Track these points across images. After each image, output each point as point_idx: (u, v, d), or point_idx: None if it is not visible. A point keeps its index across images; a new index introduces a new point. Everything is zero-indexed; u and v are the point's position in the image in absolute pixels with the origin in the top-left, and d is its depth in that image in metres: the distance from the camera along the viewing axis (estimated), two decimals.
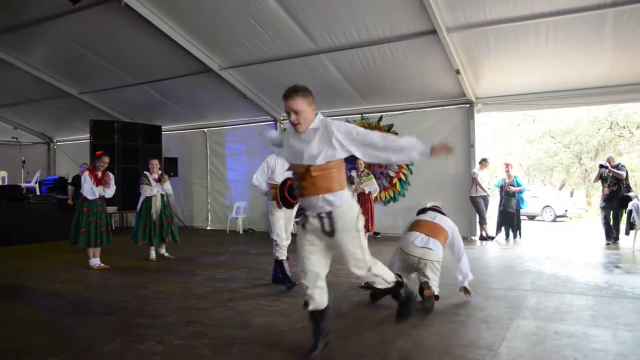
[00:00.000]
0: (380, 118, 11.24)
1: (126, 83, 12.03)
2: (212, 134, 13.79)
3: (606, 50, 8.11)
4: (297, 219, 2.90)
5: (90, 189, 7.16)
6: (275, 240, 5.86)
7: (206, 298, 5.26)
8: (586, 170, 24.72)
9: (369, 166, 9.40)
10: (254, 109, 12.14)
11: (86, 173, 7.23)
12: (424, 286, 4.54)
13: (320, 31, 8.85)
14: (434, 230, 4.80)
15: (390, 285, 3.60)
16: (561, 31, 7.86)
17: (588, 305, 4.77)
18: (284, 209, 5.55)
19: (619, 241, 9.27)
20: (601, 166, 9.63)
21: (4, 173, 12.67)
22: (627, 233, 9.03)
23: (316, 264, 3.36)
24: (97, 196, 7.23)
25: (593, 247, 9.24)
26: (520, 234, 10.30)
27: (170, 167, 13.55)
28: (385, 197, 11.07)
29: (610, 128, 23.92)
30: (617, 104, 17.29)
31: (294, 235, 5.37)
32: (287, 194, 5.08)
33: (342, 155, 3.31)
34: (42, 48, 10.95)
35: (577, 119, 24.30)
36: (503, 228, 10.45)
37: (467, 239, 10.14)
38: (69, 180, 12.69)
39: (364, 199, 8.34)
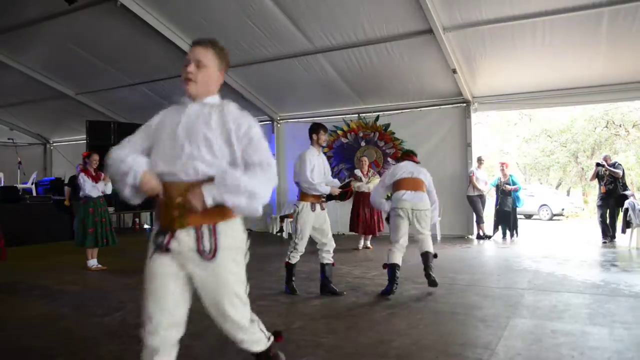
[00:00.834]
0: (377, 117, 11.25)
1: (123, 83, 12.01)
2: None
3: (602, 49, 8.14)
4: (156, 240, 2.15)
5: (91, 187, 7.22)
6: (297, 244, 5.39)
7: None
8: (583, 168, 24.79)
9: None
10: (251, 109, 12.06)
11: (82, 174, 7.25)
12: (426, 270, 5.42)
13: (316, 31, 8.85)
14: (416, 185, 5.52)
15: (266, 346, 2.58)
16: (557, 30, 7.89)
17: (585, 303, 4.79)
18: (316, 211, 5.33)
19: (616, 239, 9.30)
20: (598, 164, 9.66)
21: (0, 174, 12.64)
22: (623, 231, 9.07)
23: (173, 300, 2.34)
24: (100, 193, 7.31)
25: (590, 245, 9.28)
26: (516, 232, 10.33)
27: None
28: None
29: (607, 127, 23.99)
30: (613, 102, 17.33)
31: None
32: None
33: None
34: (38, 48, 10.91)
35: (573, 117, 24.36)
36: (500, 227, 10.48)
37: (464, 238, 10.17)
38: (66, 181, 12.65)
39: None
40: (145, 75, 11.51)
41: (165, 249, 2.23)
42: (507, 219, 10.37)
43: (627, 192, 9.26)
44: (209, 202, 2.10)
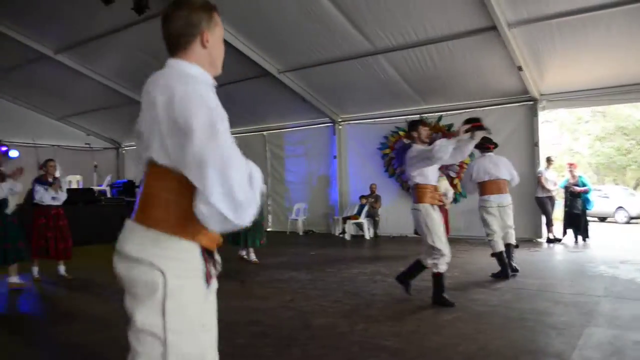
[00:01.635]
0: (440, 118, 11.04)
1: None
2: (271, 136, 14.00)
3: None
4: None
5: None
6: (439, 249, 4.86)
7: (267, 298, 5.34)
8: None
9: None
10: (312, 111, 12.24)
11: None
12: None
13: (377, 32, 8.79)
14: (499, 188, 6.56)
15: None
16: (635, 20, 7.42)
17: None
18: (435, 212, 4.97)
19: None
20: None
21: (79, 177, 13.41)
22: None
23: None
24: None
25: None
26: (587, 235, 9.80)
27: None
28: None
29: None
30: None
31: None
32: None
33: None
34: (111, 58, 11.48)
35: None
36: (570, 230, 9.99)
37: (533, 241, 9.77)
38: (137, 184, 13.24)
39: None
40: None
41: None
42: (576, 222, 9.86)
43: None
44: None
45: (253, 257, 8.26)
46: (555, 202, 10.12)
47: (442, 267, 4.92)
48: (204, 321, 1.61)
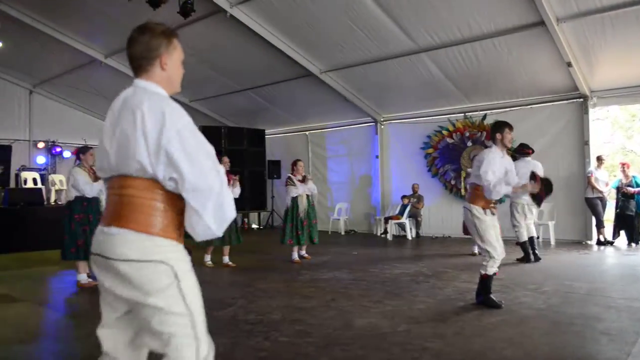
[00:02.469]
0: (485, 116, 10.81)
1: (232, 90, 12.63)
2: (313, 136, 14.06)
3: None
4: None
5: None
6: (488, 251, 4.77)
7: (310, 297, 5.37)
8: None
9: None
10: (354, 110, 12.22)
11: None
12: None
13: (419, 30, 8.70)
14: None
15: None
16: None
17: None
18: (487, 216, 4.85)
19: None
20: None
21: None
22: None
23: None
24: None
25: None
26: None
27: (274, 170, 14.04)
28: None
29: None
30: None
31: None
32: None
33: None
34: None
35: None
36: (622, 232, 9.59)
37: (581, 244, 9.45)
38: None
39: None
40: (253, 81, 12.02)
41: None
42: (629, 224, 9.45)
43: None
44: None
45: (304, 252, 8.36)
46: (607, 203, 9.74)
47: (490, 270, 4.81)
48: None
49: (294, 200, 8.06)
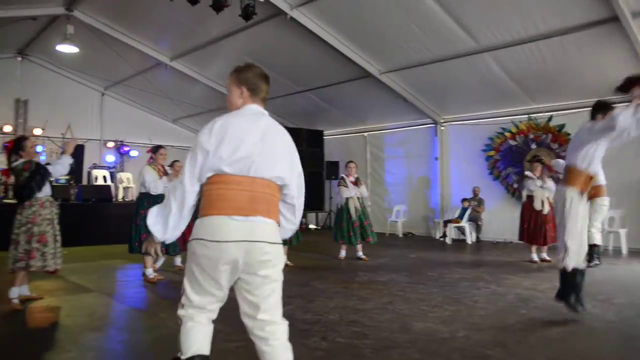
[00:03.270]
0: (550, 118, 10.40)
1: (291, 91, 12.77)
2: (372, 137, 14.00)
3: None
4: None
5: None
6: (566, 242, 4.38)
7: (367, 299, 5.34)
8: None
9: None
10: (413, 112, 12.07)
11: None
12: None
13: (482, 29, 8.47)
14: (598, 192, 7.23)
15: None
16: None
17: None
18: (583, 201, 4.42)
19: None
20: None
21: None
22: None
23: None
24: None
25: None
26: None
27: (332, 171, 14.08)
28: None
29: None
30: None
31: None
32: None
33: None
34: (219, 63, 12.14)
35: None
36: None
37: None
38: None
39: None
40: (312, 82, 12.11)
41: None
42: None
43: None
44: None
45: (360, 254, 8.42)
46: None
47: (568, 264, 4.36)
48: None
49: (346, 201, 8.26)
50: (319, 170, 14.10)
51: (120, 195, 13.20)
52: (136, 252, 6.39)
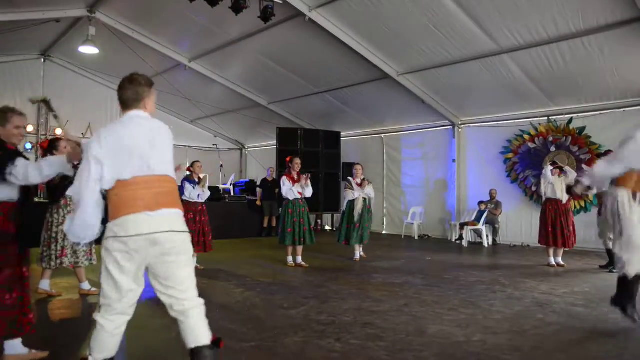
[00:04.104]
0: (570, 120, 10.26)
1: (309, 92, 12.80)
2: (389, 139, 13.96)
3: None
4: None
5: (289, 190, 7.71)
6: (622, 252, 4.14)
7: (382, 301, 5.33)
8: None
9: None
10: (431, 113, 12.01)
11: (284, 177, 7.81)
12: None
13: (501, 30, 8.40)
14: None
15: None
16: None
17: None
18: (637, 202, 4.12)
19: None
20: None
21: (206, 175, 14.40)
22: None
23: None
24: (297, 196, 7.71)
25: None
26: None
27: (349, 172, 14.05)
28: (574, 207, 9.64)
29: None
30: None
31: None
32: None
33: None
34: (237, 64, 12.24)
35: None
36: None
37: None
38: (258, 183, 13.91)
39: (565, 210, 7.76)
40: (329, 84, 12.12)
41: None
42: None
43: None
44: None
45: (357, 254, 8.53)
46: None
47: (630, 270, 4.06)
48: None
49: (350, 203, 8.46)
50: (335, 172, 14.10)
51: None
52: None
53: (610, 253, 7.14)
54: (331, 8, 8.89)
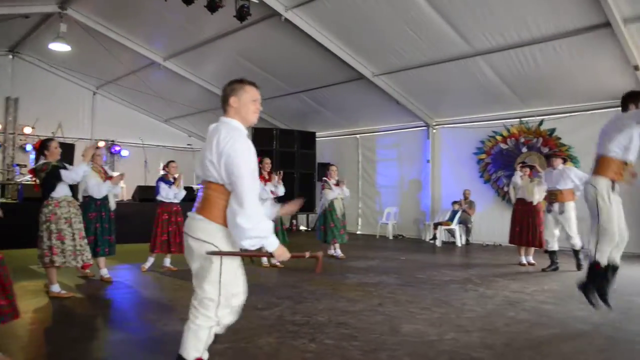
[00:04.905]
0: (541, 122, 10.47)
1: (284, 92, 12.78)
2: (364, 139, 14.03)
3: None
4: None
5: (261, 190, 7.62)
6: (600, 238, 4.19)
7: (356, 301, 5.35)
8: None
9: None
10: (406, 114, 12.11)
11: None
12: None
13: (475, 32, 8.53)
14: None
15: None
16: None
17: None
18: (614, 192, 4.23)
19: None
20: None
21: (181, 174, 14.25)
22: None
23: None
24: (270, 196, 7.64)
25: None
26: None
27: (324, 172, 14.06)
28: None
29: None
30: None
31: None
32: None
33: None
34: (212, 63, 12.13)
35: None
36: None
37: None
38: None
39: (534, 210, 7.85)
40: (305, 84, 12.12)
41: None
42: None
43: None
44: None
45: (339, 252, 8.71)
46: None
47: (600, 257, 4.18)
48: None
49: (331, 202, 8.68)
50: (310, 172, 14.11)
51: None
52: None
53: (551, 254, 7.61)
54: (307, 8, 8.90)
